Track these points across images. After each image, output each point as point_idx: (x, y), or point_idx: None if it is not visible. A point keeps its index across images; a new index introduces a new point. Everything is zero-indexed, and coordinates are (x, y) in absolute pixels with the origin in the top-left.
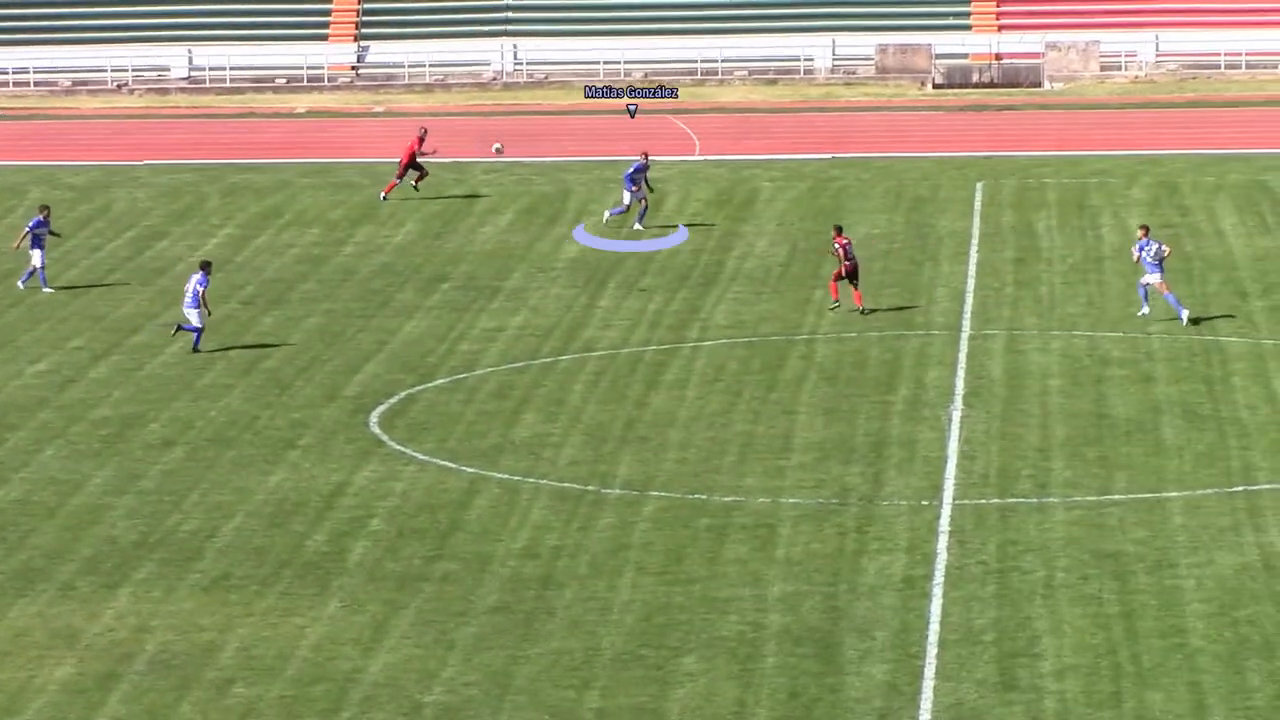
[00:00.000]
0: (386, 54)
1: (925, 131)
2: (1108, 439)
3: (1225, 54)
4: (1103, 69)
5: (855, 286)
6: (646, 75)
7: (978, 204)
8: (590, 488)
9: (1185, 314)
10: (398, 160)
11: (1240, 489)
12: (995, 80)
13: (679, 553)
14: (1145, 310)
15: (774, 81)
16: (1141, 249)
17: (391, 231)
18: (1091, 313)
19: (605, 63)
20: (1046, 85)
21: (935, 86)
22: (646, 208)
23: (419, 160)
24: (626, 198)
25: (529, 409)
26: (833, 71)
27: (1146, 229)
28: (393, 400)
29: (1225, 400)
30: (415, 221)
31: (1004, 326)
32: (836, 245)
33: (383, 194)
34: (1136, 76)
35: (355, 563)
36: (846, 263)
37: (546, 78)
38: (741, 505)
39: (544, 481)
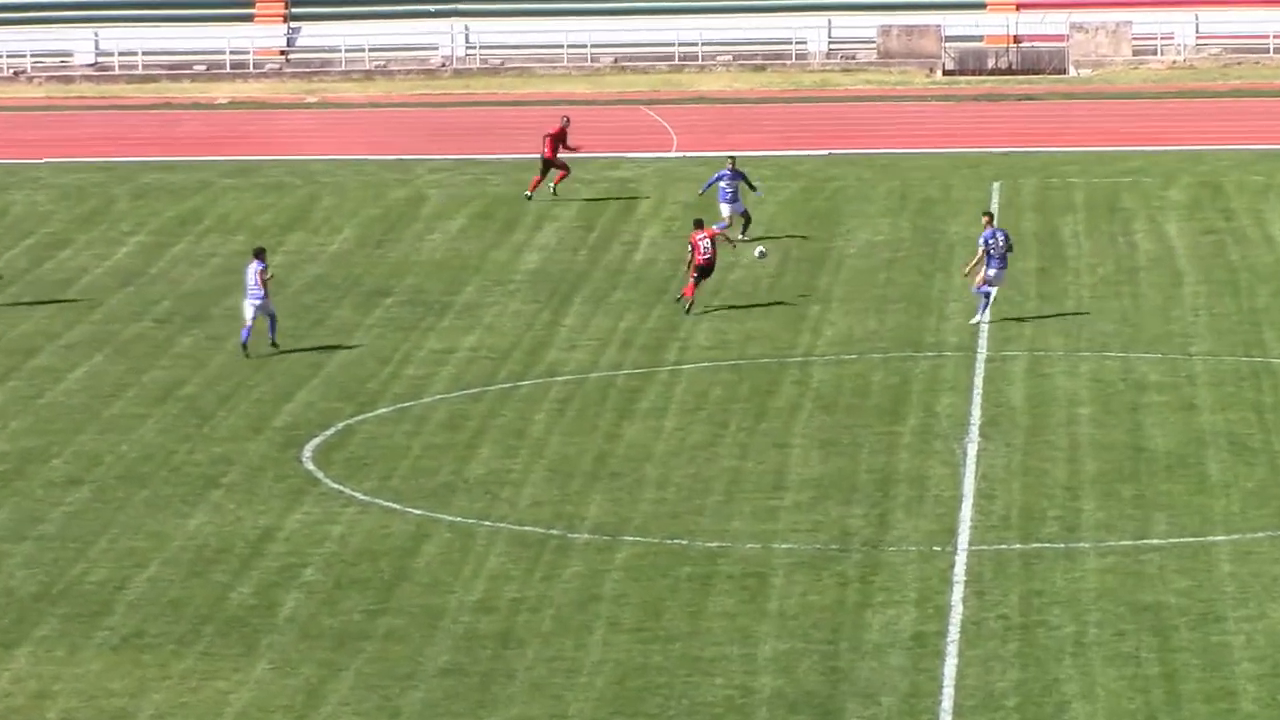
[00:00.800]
0: (320, 37)
1: (934, 124)
2: (1145, 475)
3: (1275, 35)
4: (1135, 53)
5: (696, 282)
6: (617, 60)
7: (995, 207)
8: (555, 532)
9: (983, 318)
10: (332, 156)
11: None
12: (1013, 66)
13: (657, 606)
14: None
15: (762, 68)
16: (987, 240)
17: (326, 239)
18: (1125, 330)
19: (570, 46)
20: (1072, 71)
21: (945, 73)
22: (747, 220)
23: (560, 157)
24: (726, 211)
25: (485, 442)
26: (829, 56)
27: (991, 217)
28: (329, 432)
29: (1278, 431)
30: (353, 227)
31: (1025, 347)
32: (703, 239)
33: (527, 192)
34: (1174, 61)
35: (286, 618)
36: (703, 256)
37: (503, 64)
38: (728, 551)
39: (502, 524)
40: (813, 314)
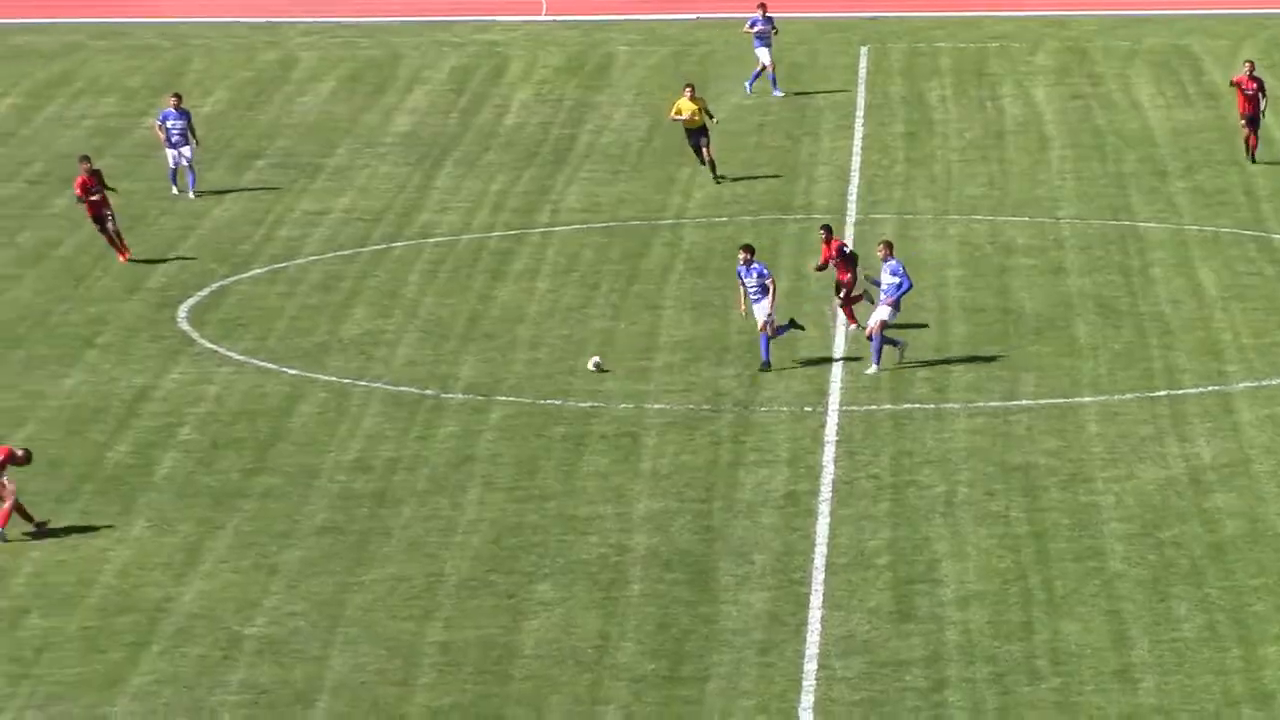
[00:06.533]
0: None
1: None
2: (1013, 337)
3: None
4: None
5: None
6: None
7: (862, 71)
8: (429, 392)
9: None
10: (203, 19)
11: (1163, 394)
12: None
13: (531, 465)
14: None
15: None
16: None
17: (198, 101)
18: (993, 194)
19: None
20: None
21: None
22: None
23: None
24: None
25: (359, 303)
26: None
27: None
28: (203, 293)
29: (1145, 294)
30: (225, 89)
31: (894, 210)
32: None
33: None
34: None
35: (164, 477)
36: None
37: None
38: (601, 411)
39: (377, 385)
40: (683, 177)
